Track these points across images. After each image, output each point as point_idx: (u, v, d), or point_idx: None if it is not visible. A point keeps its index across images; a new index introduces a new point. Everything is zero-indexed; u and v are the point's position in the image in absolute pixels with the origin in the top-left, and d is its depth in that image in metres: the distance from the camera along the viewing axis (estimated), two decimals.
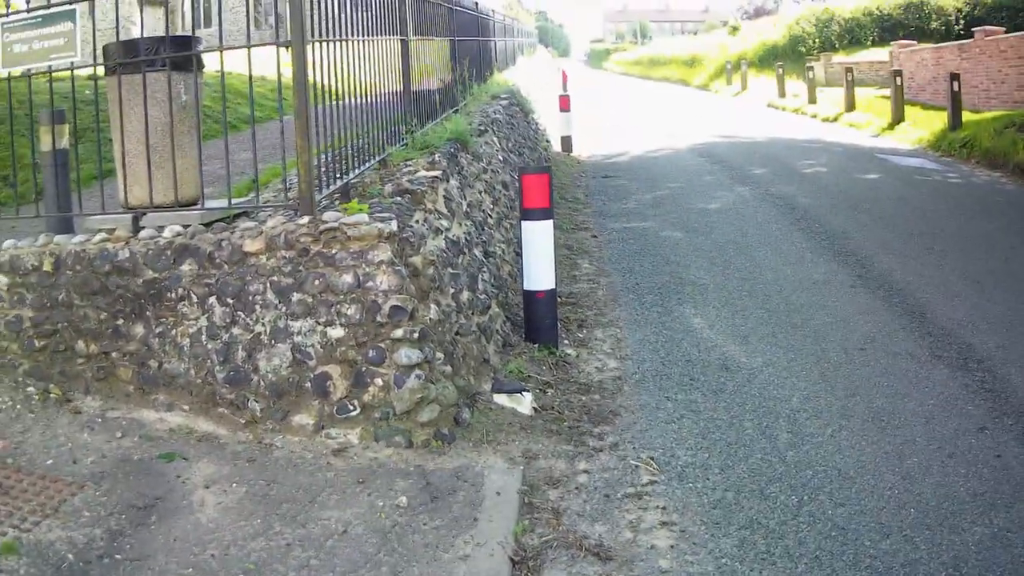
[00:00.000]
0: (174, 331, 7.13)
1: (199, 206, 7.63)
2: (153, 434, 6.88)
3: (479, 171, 11.58)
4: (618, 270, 12.60)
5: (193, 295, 7.08)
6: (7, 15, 8.29)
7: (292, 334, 6.84)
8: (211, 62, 8.29)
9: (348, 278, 6.80)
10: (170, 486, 6.21)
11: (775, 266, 12.42)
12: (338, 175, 7.80)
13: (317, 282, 6.83)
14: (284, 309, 6.88)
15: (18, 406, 7.24)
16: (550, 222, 9.17)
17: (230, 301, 6.99)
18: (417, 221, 7.73)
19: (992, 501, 6.21)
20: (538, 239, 9.07)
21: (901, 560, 5.54)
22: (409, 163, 9.51)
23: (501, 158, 14.12)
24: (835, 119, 31.00)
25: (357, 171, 8.33)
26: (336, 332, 6.78)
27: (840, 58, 45.02)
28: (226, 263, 7.02)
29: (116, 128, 7.65)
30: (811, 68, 38.50)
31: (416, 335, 6.77)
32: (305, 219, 6.99)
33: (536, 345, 9.07)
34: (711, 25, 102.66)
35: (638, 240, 14.31)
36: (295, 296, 6.87)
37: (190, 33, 7.95)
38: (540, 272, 9.09)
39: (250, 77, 7.60)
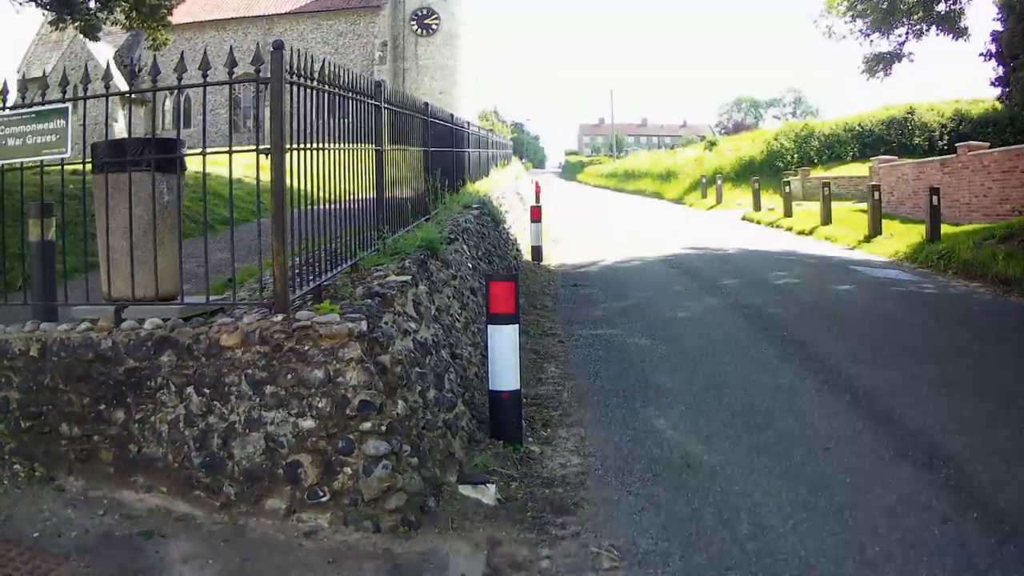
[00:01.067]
0: (153, 417, 7.44)
1: (179, 301, 8.01)
2: (133, 513, 7.17)
3: (448, 277, 12.00)
4: (584, 374, 12.76)
5: (172, 384, 7.41)
6: (3, 108, 8.66)
7: (265, 424, 7.16)
8: (192, 163, 8.64)
9: (319, 373, 7.16)
10: (149, 561, 6.49)
11: (741, 372, 12.51)
12: (311, 277, 8.21)
13: (290, 376, 7.18)
14: (258, 400, 7.21)
15: (5, 482, 7.61)
16: (515, 326, 9.48)
17: (207, 391, 7.32)
18: (386, 322, 8.10)
19: None
20: (504, 342, 9.38)
21: None
22: (380, 268, 9.89)
23: (471, 265, 14.54)
24: (810, 232, 31.28)
25: (330, 274, 8.74)
26: (307, 423, 7.12)
27: (819, 173, 45.54)
28: (203, 355, 7.37)
29: (101, 224, 8.00)
30: (788, 182, 39.08)
31: (384, 428, 7.11)
32: (279, 317, 7.38)
33: (501, 442, 9.29)
34: (688, 139, 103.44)
35: (605, 346, 14.47)
36: (269, 388, 7.21)
37: (172, 134, 8.25)
38: (505, 374, 9.38)
39: (230, 180, 7.97)
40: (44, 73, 9.20)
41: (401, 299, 8.92)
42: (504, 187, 29.97)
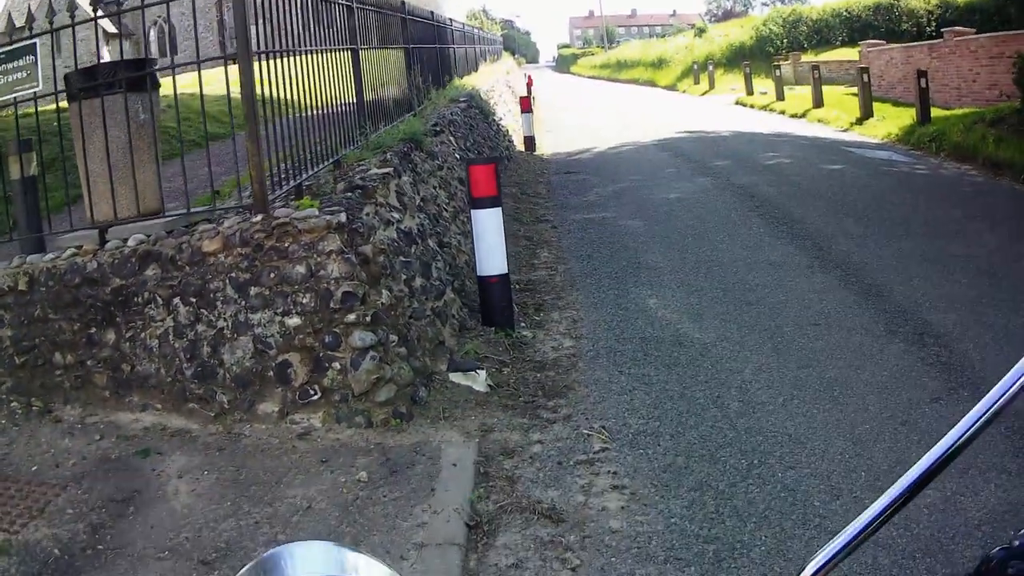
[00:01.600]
0: (143, 334, 7.52)
1: (161, 215, 8.05)
2: (129, 434, 7.26)
3: (434, 168, 12.09)
4: (576, 258, 12.94)
5: (158, 298, 7.48)
6: None
7: (252, 326, 7.24)
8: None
9: (301, 269, 7.22)
10: (146, 479, 6.59)
11: (732, 250, 12.65)
12: (292, 177, 8.28)
13: (272, 275, 7.25)
14: (244, 303, 7.29)
15: (3, 421, 7.62)
16: (498, 209, 9.55)
17: (193, 300, 7.40)
18: (368, 214, 8.14)
19: None
20: (488, 226, 9.46)
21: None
22: (363, 163, 9.92)
23: (458, 156, 14.66)
24: (803, 115, 31.20)
25: (310, 172, 8.80)
26: (293, 321, 7.19)
27: (809, 58, 45.24)
28: (187, 264, 7.44)
29: (79, 151, 8.05)
30: (778, 67, 38.92)
31: (369, 318, 7.18)
32: (259, 217, 7.43)
33: (492, 328, 9.44)
34: (678, 29, 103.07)
35: (597, 230, 14.63)
36: (253, 290, 7.28)
37: (152, 57, 8.32)
38: (492, 258, 9.48)
39: (201, 94, 7.96)
40: (30, 9, 9.21)
41: (383, 191, 8.99)
42: (494, 81, 29.93)
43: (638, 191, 18.07)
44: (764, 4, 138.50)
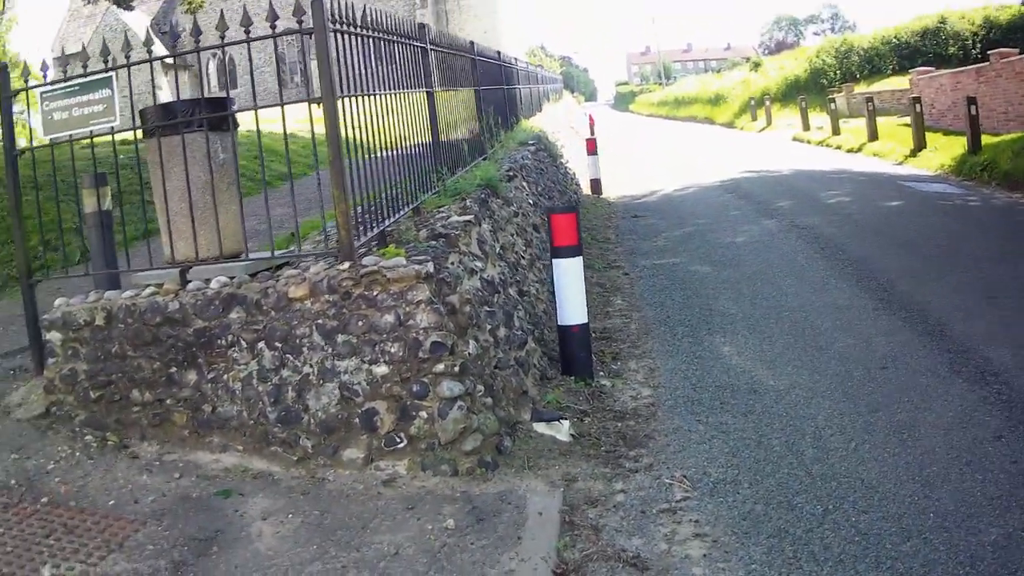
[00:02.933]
0: (226, 376, 7.45)
1: (243, 257, 7.99)
2: (209, 474, 7.19)
3: (510, 215, 11.95)
4: (650, 305, 12.81)
5: (242, 341, 7.42)
6: (45, 84, 8.64)
7: (339, 373, 7.15)
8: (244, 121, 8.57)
9: (390, 318, 7.12)
10: (228, 520, 6.51)
11: (800, 294, 12.54)
12: (374, 223, 8.12)
13: (360, 323, 7.15)
14: (330, 350, 7.19)
15: (77, 454, 7.57)
16: (579, 259, 9.45)
17: (278, 345, 7.32)
18: (452, 263, 8.08)
19: (1008, 504, 6.39)
20: (569, 275, 9.37)
21: (921, 560, 5.77)
22: (442, 209, 9.86)
23: (531, 202, 14.49)
24: (858, 149, 30.97)
25: (392, 218, 8.67)
26: (381, 369, 7.08)
27: (861, 89, 45.05)
28: (272, 309, 7.36)
29: (158, 188, 7.97)
30: (833, 100, 38.69)
31: (457, 368, 7.06)
32: (346, 264, 7.34)
33: (572, 377, 9.30)
34: (733, 62, 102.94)
35: (668, 275, 14.49)
36: (340, 337, 7.19)
37: (223, 95, 8.20)
38: (573, 307, 9.38)
39: (284, 134, 7.87)
40: (83, 46, 9.16)
41: (465, 239, 8.90)
42: (558, 122, 29.90)
43: (705, 235, 17.96)
44: (815, 34, 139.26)
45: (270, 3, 7.77)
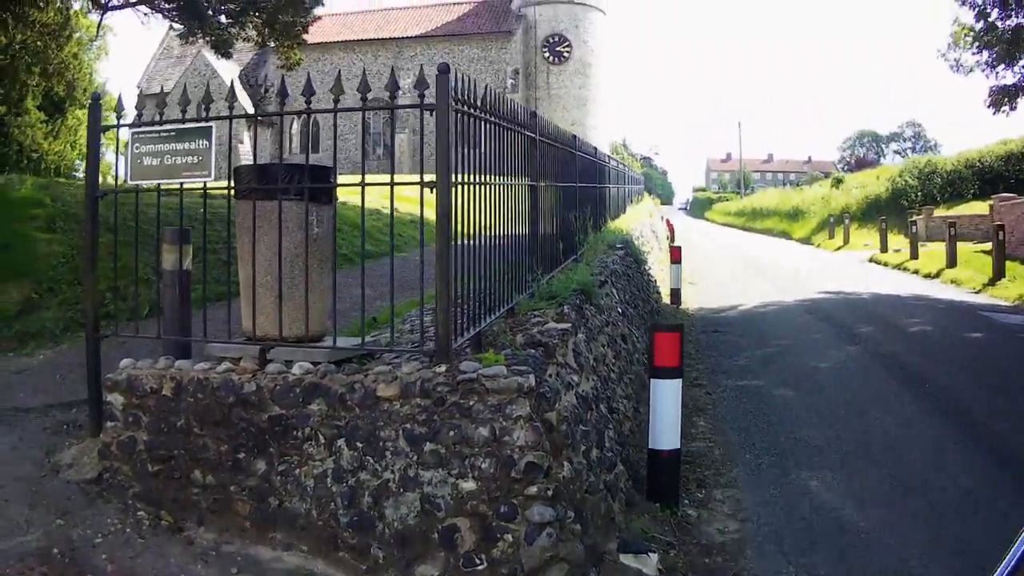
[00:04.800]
0: (298, 470, 6.95)
1: (330, 343, 7.48)
2: (270, 571, 6.71)
3: (602, 324, 11.38)
4: (733, 429, 12.30)
5: (320, 435, 6.92)
6: (140, 125, 8.21)
7: (422, 484, 6.61)
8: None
9: (484, 431, 6.57)
10: None
11: (886, 427, 11.98)
12: (466, 322, 7.54)
13: (452, 433, 6.60)
14: (415, 457, 6.66)
15: (127, 530, 7.08)
16: (679, 381, 8.93)
17: (359, 445, 6.81)
18: (550, 375, 7.50)
19: None
20: (667, 398, 8.84)
21: None
22: (537, 313, 9.34)
23: (620, 311, 13.93)
24: (936, 275, 30.48)
25: (489, 319, 8.11)
26: (468, 485, 6.53)
27: (941, 212, 44.59)
28: (357, 406, 6.85)
29: (244, 255, 7.55)
30: (914, 223, 38.15)
31: (550, 493, 6.51)
32: (442, 368, 6.82)
33: (658, 505, 8.80)
34: (813, 176, 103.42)
35: (751, 398, 14.00)
36: (428, 445, 6.65)
37: (300, 159, 7.73)
38: (667, 431, 8.86)
39: (392, 207, 7.38)
40: (162, 89, 8.71)
41: (562, 349, 8.35)
42: (640, 224, 29.29)
43: (787, 357, 17.38)
44: (896, 152, 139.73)
45: (392, 73, 7.27)
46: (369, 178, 7.34)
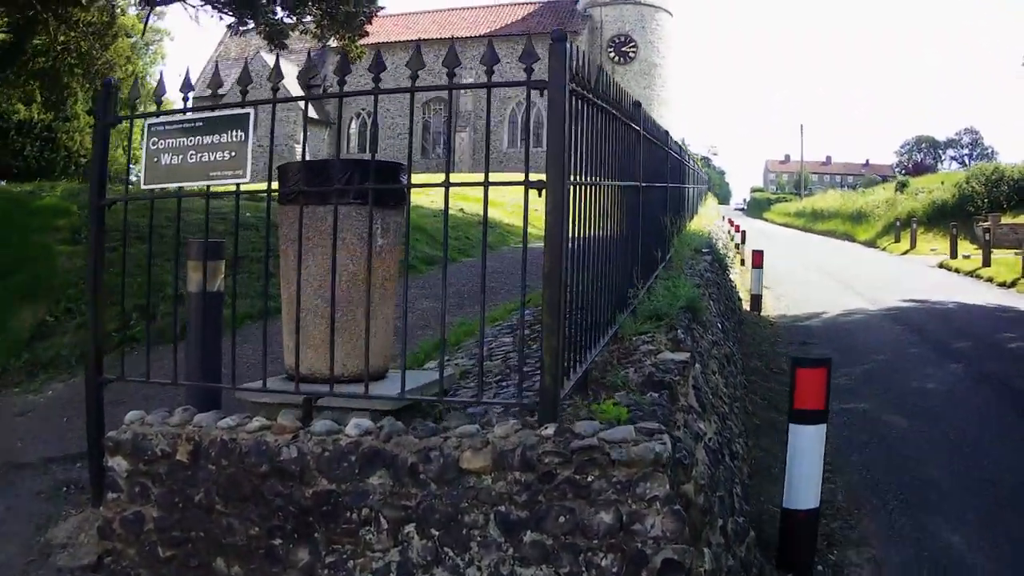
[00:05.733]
0: (351, 562, 5.23)
1: (393, 386, 5.77)
2: None
3: (710, 345, 9.62)
4: (850, 465, 10.83)
5: (383, 519, 5.17)
6: (156, 113, 6.49)
7: None
8: None
9: (607, 518, 4.79)
10: None
11: (1020, 468, 10.52)
12: (575, 359, 5.81)
13: (563, 519, 4.84)
14: (511, 551, 4.91)
15: None
16: (823, 428, 7.26)
17: (435, 533, 5.06)
18: (679, 427, 5.75)
19: None
20: (809, 448, 7.17)
21: None
22: (645, 338, 7.66)
23: (720, 326, 12.24)
24: (1011, 284, 29.43)
25: (595, 351, 6.40)
26: None
27: (1008, 220, 44.18)
28: (434, 481, 5.10)
29: (290, 272, 5.99)
30: (988, 230, 37.11)
31: None
32: (550, 429, 5.03)
33: (791, 575, 7.22)
34: (871, 180, 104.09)
35: (861, 426, 12.55)
36: (529, 535, 4.88)
37: (370, 158, 5.88)
38: (806, 487, 7.24)
39: (485, 212, 5.66)
40: (187, 72, 6.78)
41: (683, 387, 6.64)
42: (712, 227, 28.21)
43: (888, 377, 15.83)
44: (953, 158, 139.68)
45: (489, 45, 5.45)
46: (453, 178, 5.56)
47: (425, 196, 18.35)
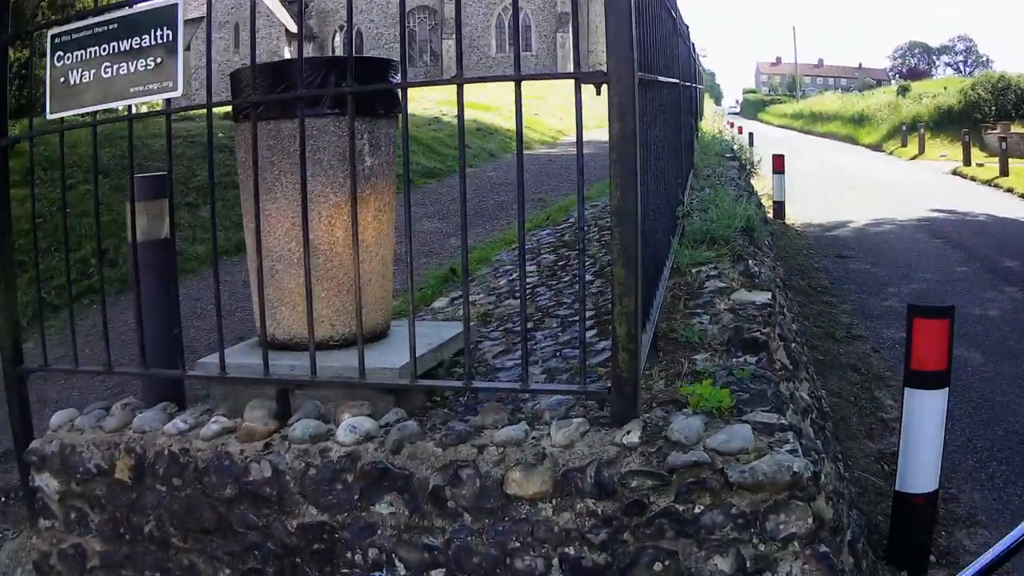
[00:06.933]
0: None
1: (402, 358, 4.33)
2: None
3: (772, 272, 8.06)
4: None
5: (398, 562, 3.67)
6: (61, 21, 4.91)
7: None
8: None
9: (723, 565, 3.31)
10: None
11: None
12: (644, 314, 4.21)
13: (659, 567, 3.34)
14: None
15: None
16: (945, 392, 5.71)
17: None
18: (787, 406, 4.24)
19: None
20: (927, 418, 5.64)
21: None
22: (706, 270, 6.28)
23: (768, 242, 10.64)
24: None
25: (657, 295, 4.91)
26: None
27: (1018, 129, 43.45)
28: (468, 511, 3.58)
29: (251, 208, 4.47)
30: (1004, 138, 36.10)
31: None
32: (634, 434, 3.49)
33: (904, 573, 5.74)
34: (865, 83, 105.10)
35: None
36: None
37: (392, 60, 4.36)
38: (923, 466, 5.70)
39: (519, 118, 4.14)
40: None
41: (772, 341, 5.14)
42: (719, 130, 27.14)
43: (944, 300, 14.11)
44: (947, 64, 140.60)
45: None
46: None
47: (411, 103, 16.49)
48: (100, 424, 4.35)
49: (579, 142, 3.68)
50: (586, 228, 8.97)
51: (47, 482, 4.41)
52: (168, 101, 4.54)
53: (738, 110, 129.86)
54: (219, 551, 3.95)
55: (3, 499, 5.95)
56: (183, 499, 3.99)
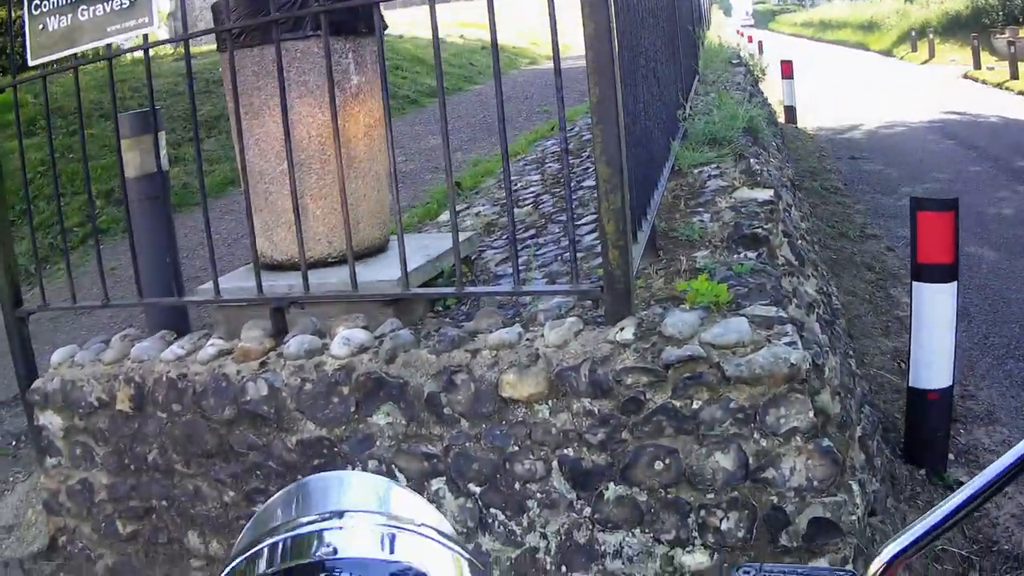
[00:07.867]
0: None
1: (398, 271, 4.13)
2: None
3: (778, 172, 8.01)
4: None
5: (398, 472, 3.70)
6: None
7: (601, 556, 3.44)
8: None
9: (725, 462, 3.29)
10: None
11: None
12: (635, 208, 4.13)
13: (660, 466, 3.33)
14: (588, 511, 3.44)
15: None
16: (954, 285, 5.65)
17: (475, 489, 3.60)
18: (790, 300, 4.20)
19: None
20: (936, 312, 5.60)
21: None
22: (708, 170, 6.21)
23: (775, 144, 10.57)
24: None
25: (656, 193, 4.89)
26: (694, 558, 3.34)
27: None
28: (464, 416, 3.58)
29: (237, 137, 4.44)
30: (1012, 43, 35.67)
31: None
32: (628, 331, 3.47)
33: (923, 471, 5.69)
34: None
35: None
36: (611, 489, 3.40)
37: None
38: (936, 360, 5.65)
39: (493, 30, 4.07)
40: None
41: (775, 237, 5.08)
42: (727, 37, 27.22)
43: (959, 199, 14.20)
44: None
45: None
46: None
47: (416, 26, 16.38)
48: (99, 357, 4.38)
49: (555, 47, 3.63)
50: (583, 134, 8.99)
51: (51, 419, 4.47)
52: (145, 37, 4.56)
53: (751, 22, 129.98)
54: (222, 474, 3.99)
55: (13, 443, 5.94)
56: (183, 424, 4.03)
